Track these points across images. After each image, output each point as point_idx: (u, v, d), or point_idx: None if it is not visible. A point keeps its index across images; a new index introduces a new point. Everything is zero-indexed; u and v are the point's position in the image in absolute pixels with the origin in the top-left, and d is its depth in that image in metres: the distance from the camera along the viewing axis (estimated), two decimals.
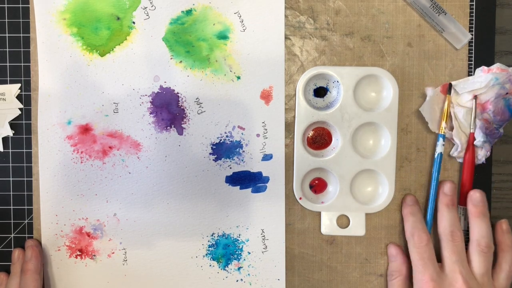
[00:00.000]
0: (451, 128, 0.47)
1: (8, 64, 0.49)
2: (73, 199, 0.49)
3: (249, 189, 0.49)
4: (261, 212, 0.49)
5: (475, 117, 0.46)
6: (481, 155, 0.47)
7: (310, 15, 0.48)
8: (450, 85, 0.47)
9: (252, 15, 0.48)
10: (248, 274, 0.49)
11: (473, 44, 0.48)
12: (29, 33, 0.48)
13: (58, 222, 0.49)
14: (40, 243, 0.49)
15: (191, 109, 0.48)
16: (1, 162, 0.49)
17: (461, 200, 0.48)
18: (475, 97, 0.46)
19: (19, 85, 0.49)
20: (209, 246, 0.49)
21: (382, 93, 0.48)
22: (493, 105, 0.46)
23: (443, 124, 0.47)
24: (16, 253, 0.48)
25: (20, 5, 0.48)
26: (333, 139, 0.49)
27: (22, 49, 0.48)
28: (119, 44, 0.48)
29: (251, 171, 0.49)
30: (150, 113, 0.48)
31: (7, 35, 0.48)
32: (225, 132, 0.48)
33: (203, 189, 0.49)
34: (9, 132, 0.49)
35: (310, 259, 0.49)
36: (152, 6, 0.48)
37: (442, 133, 0.47)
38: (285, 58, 0.48)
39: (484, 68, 0.47)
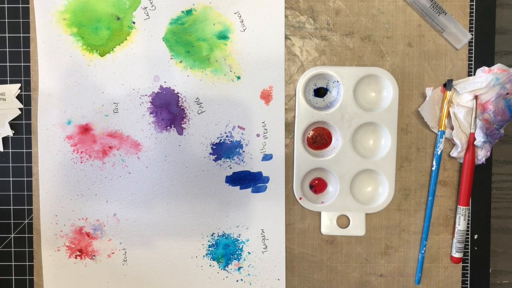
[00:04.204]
0: (451, 128, 0.47)
1: (8, 64, 0.49)
2: (73, 199, 0.49)
3: (249, 189, 0.49)
4: (261, 212, 0.49)
5: (475, 117, 0.46)
6: (481, 155, 0.47)
7: (310, 15, 0.48)
8: (449, 81, 0.47)
9: (252, 15, 0.48)
10: (248, 274, 0.49)
11: (473, 44, 0.48)
12: (29, 33, 0.48)
13: (58, 222, 0.49)
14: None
15: (191, 109, 0.48)
16: (1, 162, 0.49)
17: (461, 200, 0.48)
18: (476, 97, 0.46)
19: (19, 85, 0.49)
20: (209, 246, 0.49)
21: (382, 93, 0.48)
22: (494, 105, 0.46)
23: (444, 121, 0.47)
24: None
25: (20, 5, 0.48)
26: (333, 139, 0.49)
27: (22, 49, 0.48)
28: (119, 44, 0.48)
29: (251, 171, 0.49)
30: (150, 113, 0.48)
31: (7, 35, 0.48)
32: (225, 132, 0.48)
33: (203, 189, 0.49)
34: (9, 132, 0.49)
35: (310, 259, 0.49)
36: (152, 6, 0.48)
37: (443, 129, 0.47)
38: (285, 58, 0.48)
39: (485, 68, 0.46)
